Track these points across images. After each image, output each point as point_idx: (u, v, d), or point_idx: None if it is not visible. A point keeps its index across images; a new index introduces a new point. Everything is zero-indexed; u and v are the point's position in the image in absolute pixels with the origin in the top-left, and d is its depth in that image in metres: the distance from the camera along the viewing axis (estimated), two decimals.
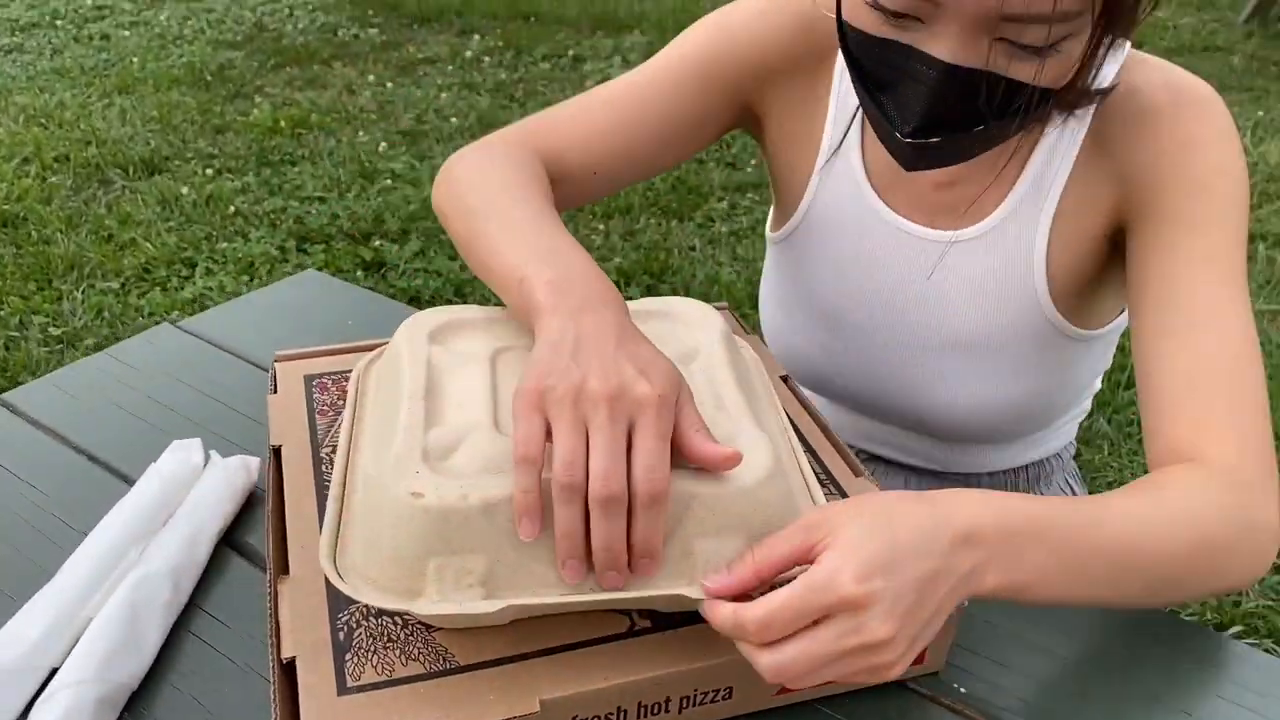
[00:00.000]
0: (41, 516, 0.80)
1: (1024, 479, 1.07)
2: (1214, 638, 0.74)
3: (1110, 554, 0.64)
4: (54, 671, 0.65)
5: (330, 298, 1.11)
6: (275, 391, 0.84)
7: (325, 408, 0.82)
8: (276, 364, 0.87)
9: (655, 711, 0.64)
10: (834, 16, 0.78)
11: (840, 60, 0.91)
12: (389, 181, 3.28)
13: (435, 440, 0.63)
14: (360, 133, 3.66)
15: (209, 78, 4.17)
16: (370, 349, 0.89)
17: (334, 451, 0.78)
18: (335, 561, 0.61)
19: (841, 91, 0.92)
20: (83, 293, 2.63)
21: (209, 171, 3.34)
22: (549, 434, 0.59)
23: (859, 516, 0.57)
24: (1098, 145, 0.82)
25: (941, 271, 0.90)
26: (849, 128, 0.92)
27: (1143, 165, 0.80)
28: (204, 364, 0.98)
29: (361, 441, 0.70)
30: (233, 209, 3.07)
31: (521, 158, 0.86)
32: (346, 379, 0.85)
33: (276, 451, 0.78)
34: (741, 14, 0.92)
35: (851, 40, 0.75)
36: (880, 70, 0.74)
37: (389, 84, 4.15)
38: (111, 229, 2.95)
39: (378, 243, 2.89)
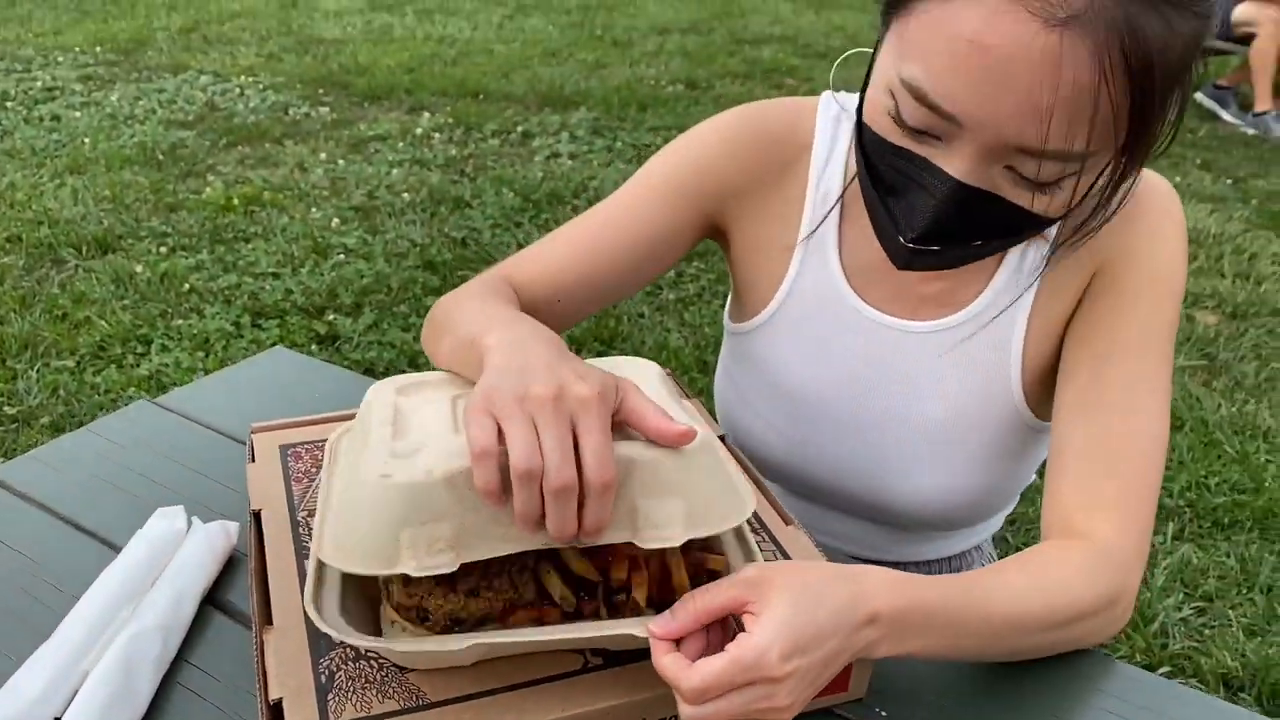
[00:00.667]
0: (34, 583, 0.86)
1: (948, 568, 1.13)
2: (1114, 667, 0.82)
3: (987, 630, 0.74)
4: None
5: (297, 372, 1.18)
6: (253, 460, 0.91)
7: (300, 475, 0.89)
8: (253, 435, 0.94)
9: None
10: (809, 124, 0.85)
11: (815, 162, 0.95)
12: (342, 256, 3.35)
13: (401, 447, 0.70)
14: (313, 209, 3.73)
15: (161, 157, 4.23)
16: (342, 419, 0.96)
17: (310, 515, 0.85)
18: (317, 608, 0.68)
19: (819, 194, 0.95)
20: (37, 371, 2.66)
21: (163, 249, 3.38)
22: (500, 434, 0.65)
23: (789, 589, 0.65)
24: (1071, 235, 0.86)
25: (922, 361, 0.94)
26: (825, 218, 0.95)
27: (1112, 253, 0.86)
28: (182, 438, 1.05)
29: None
30: (187, 286, 3.11)
31: (490, 283, 0.93)
32: (319, 448, 0.93)
33: (257, 515, 0.85)
34: (700, 137, 0.97)
35: (868, 141, 0.78)
36: (893, 176, 0.77)
37: (340, 161, 4.23)
38: (65, 308, 2.98)
39: (331, 316, 2.95)
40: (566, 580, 0.73)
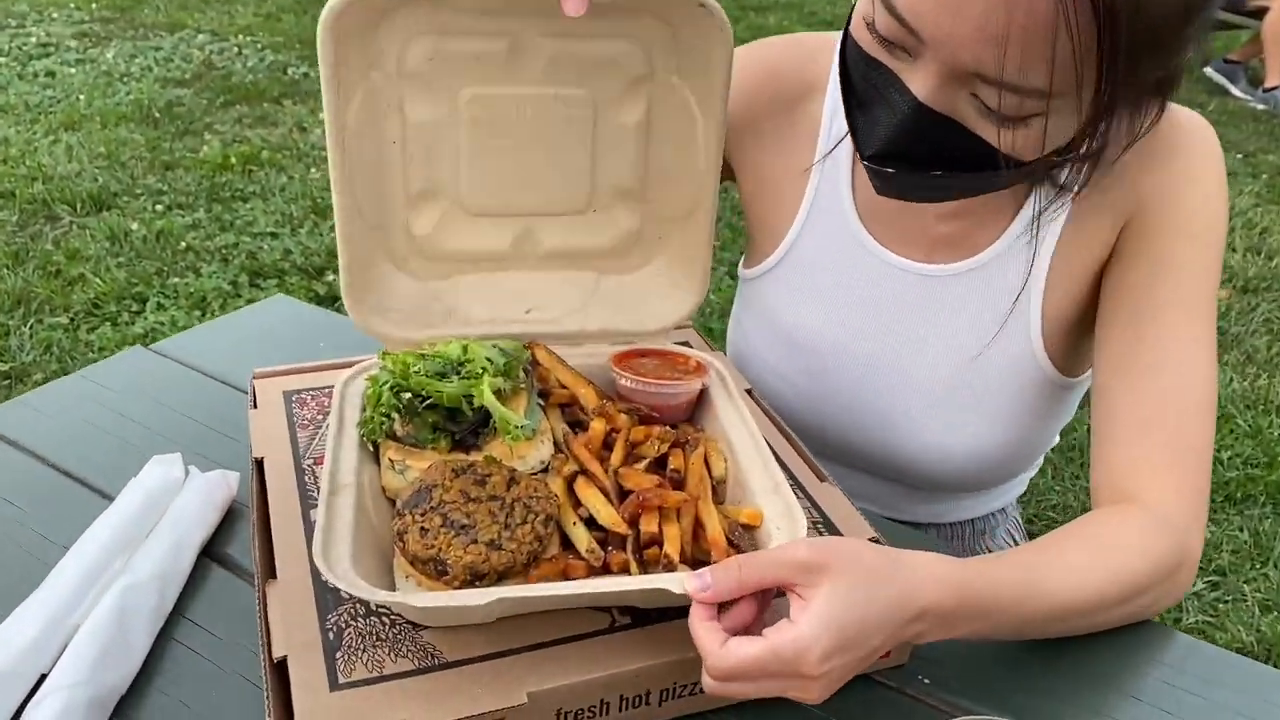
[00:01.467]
0: (21, 532, 0.81)
1: (970, 532, 1.09)
2: (1164, 630, 0.78)
3: (1046, 614, 0.70)
4: (44, 677, 0.66)
5: (300, 321, 1.13)
6: (255, 407, 0.86)
7: (306, 422, 0.84)
8: (256, 381, 0.89)
9: (636, 704, 0.66)
10: (824, 61, 0.80)
11: (830, 99, 0.93)
12: None
13: None
14: (312, 169, 3.66)
15: (157, 115, 4.15)
16: (348, 366, 0.91)
17: (316, 463, 0.80)
18: (326, 560, 0.63)
19: (834, 129, 0.93)
20: (30, 328, 2.60)
21: (159, 207, 3.32)
22: None
23: (842, 580, 0.60)
24: (1100, 177, 0.82)
25: (935, 307, 0.91)
26: (838, 144, 0.91)
27: (1143, 197, 0.81)
28: (178, 385, 1.00)
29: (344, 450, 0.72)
30: (184, 244, 3.05)
31: None
32: (326, 394, 0.88)
33: (259, 464, 0.80)
34: None
35: (849, 51, 0.77)
36: (864, 88, 0.76)
37: None
38: (59, 264, 2.92)
39: (331, 278, 2.90)
40: (593, 532, 0.68)
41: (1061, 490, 2.19)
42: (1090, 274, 0.86)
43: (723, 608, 0.62)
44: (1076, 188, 0.80)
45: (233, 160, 3.66)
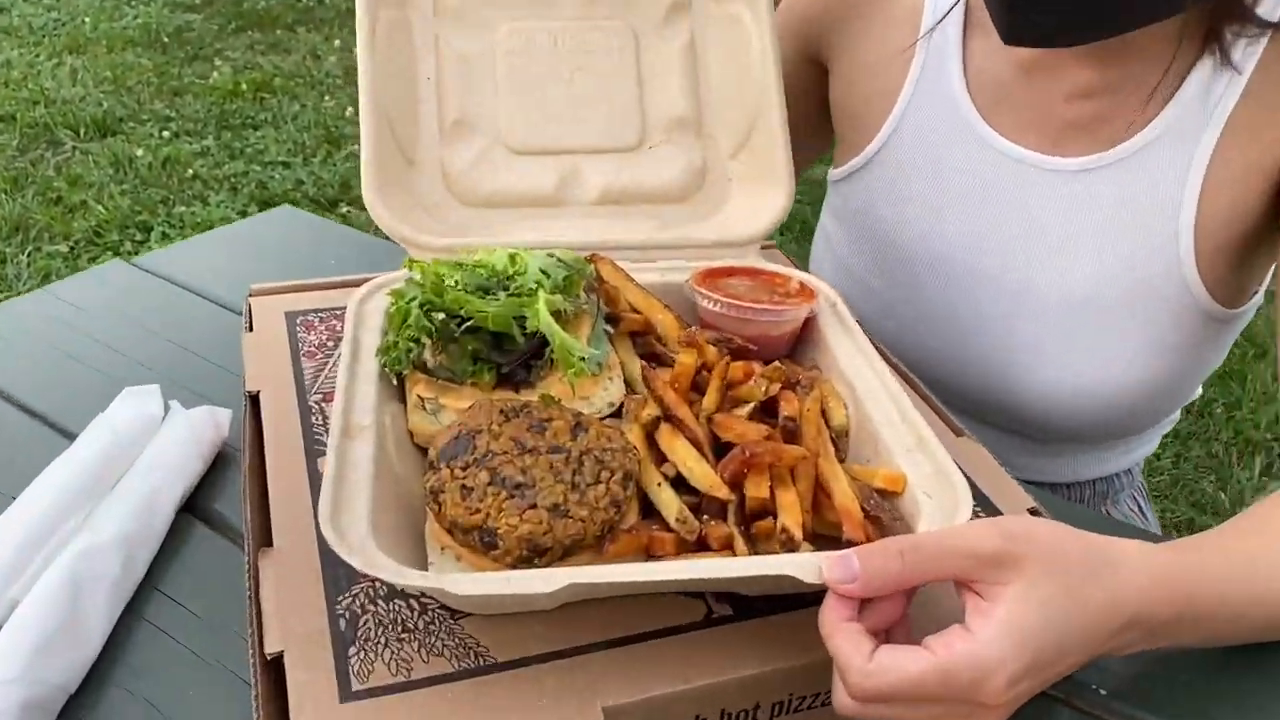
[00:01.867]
0: None
1: (1091, 494, 0.93)
2: None
3: (1264, 623, 0.55)
4: None
5: (308, 235, 0.97)
6: (250, 330, 0.70)
7: (313, 349, 0.68)
8: (252, 299, 0.73)
9: (741, 719, 0.51)
10: None
11: None
12: (356, 147, 3.12)
13: None
14: (326, 98, 3.49)
15: (165, 39, 3.97)
16: (360, 284, 0.75)
17: (325, 399, 0.63)
18: (336, 526, 0.47)
19: (938, 7, 0.80)
20: (28, 255, 2.45)
21: (165, 134, 3.16)
22: None
23: (1042, 580, 0.45)
24: None
25: (1062, 208, 0.76)
26: (947, 14, 0.79)
27: None
28: (163, 305, 0.84)
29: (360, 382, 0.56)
30: (191, 172, 2.90)
31: None
32: (337, 317, 0.71)
33: (254, 399, 0.64)
34: None
35: None
36: None
37: (355, 49, 3.96)
38: (60, 190, 2.77)
39: (345, 209, 2.74)
40: (683, 496, 0.52)
41: (1181, 468, 2.00)
42: (1259, 179, 0.70)
43: (864, 603, 0.46)
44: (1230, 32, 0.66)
45: (244, 87, 3.49)
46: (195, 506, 0.65)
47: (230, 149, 3.07)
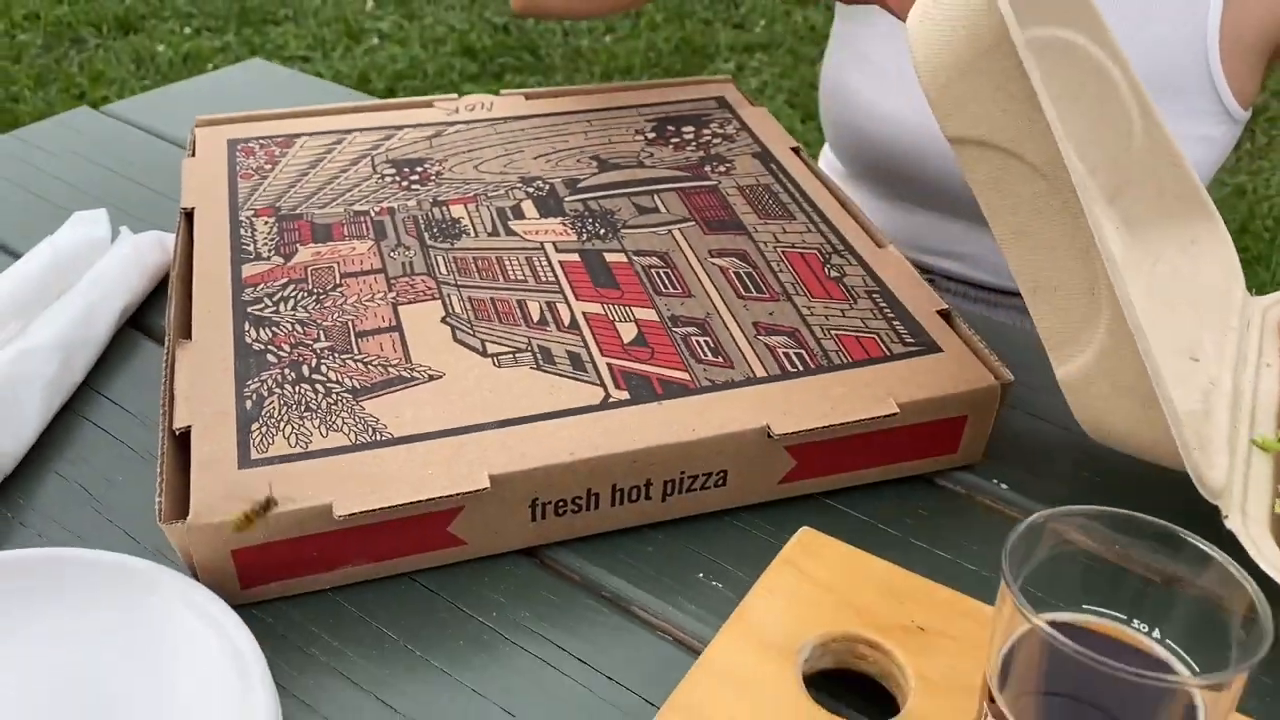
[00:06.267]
0: None
1: None
2: None
3: None
4: None
5: (280, 87, 0.97)
6: (193, 155, 0.71)
7: (250, 171, 0.69)
8: (198, 129, 0.74)
9: (634, 497, 0.52)
10: None
11: None
12: (376, 40, 3.10)
13: None
14: None
15: None
16: (314, 115, 0.76)
17: (256, 215, 0.65)
18: None
19: None
20: None
21: (186, 30, 3.16)
22: None
23: None
24: None
25: None
26: None
27: None
28: (124, 147, 0.85)
29: None
30: (211, 66, 2.90)
31: None
32: (277, 144, 0.72)
33: (188, 215, 0.65)
34: None
35: None
36: None
37: None
38: (83, 86, 2.79)
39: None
40: None
41: None
42: None
43: None
44: None
45: None
46: (139, 322, 0.67)
47: (250, 44, 3.07)
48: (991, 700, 0.37)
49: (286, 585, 0.49)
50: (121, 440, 0.59)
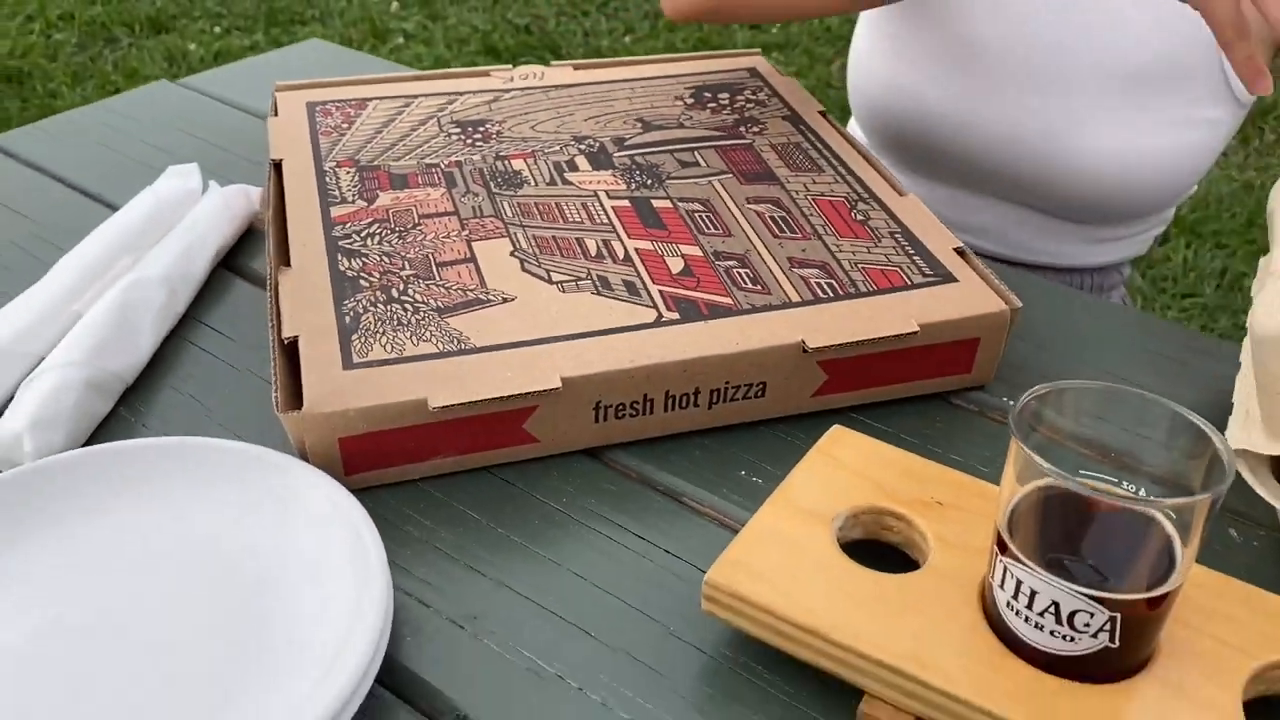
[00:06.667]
0: (33, 243, 0.76)
1: (1090, 284, 1.00)
2: None
3: None
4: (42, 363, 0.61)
5: (337, 64, 1.05)
6: (276, 115, 0.79)
7: (329, 130, 0.77)
8: (278, 93, 0.81)
9: (684, 404, 0.59)
10: None
11: None
12: (401, 40, 3.19)
13: None
14: None
15: None
16: (386, 81, 0.83)
17: (339, 166, 0.72)
18: None
19: None
20: None
21: (217, 30, 3.24)
22: None
23: None
24: None
25: None
26: None
27: None
28: (204, 115, 0.93)
29: None
30: None
31: None
32: (352, 106, 0.80)
33: (277, 166, 0.73)
34: None
35: None
36: None
37: None
38: (118, 83, 2.88)
39: None
40: None
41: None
42: None
43: None
44: None
45: None
46: (230, 263, 0.74)
47: (279, 43, 3.15)
48: (1004, 549, 0.44)
49: (383, 474, 0.56)
50: (222, 359, 0.66)
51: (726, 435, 0.61)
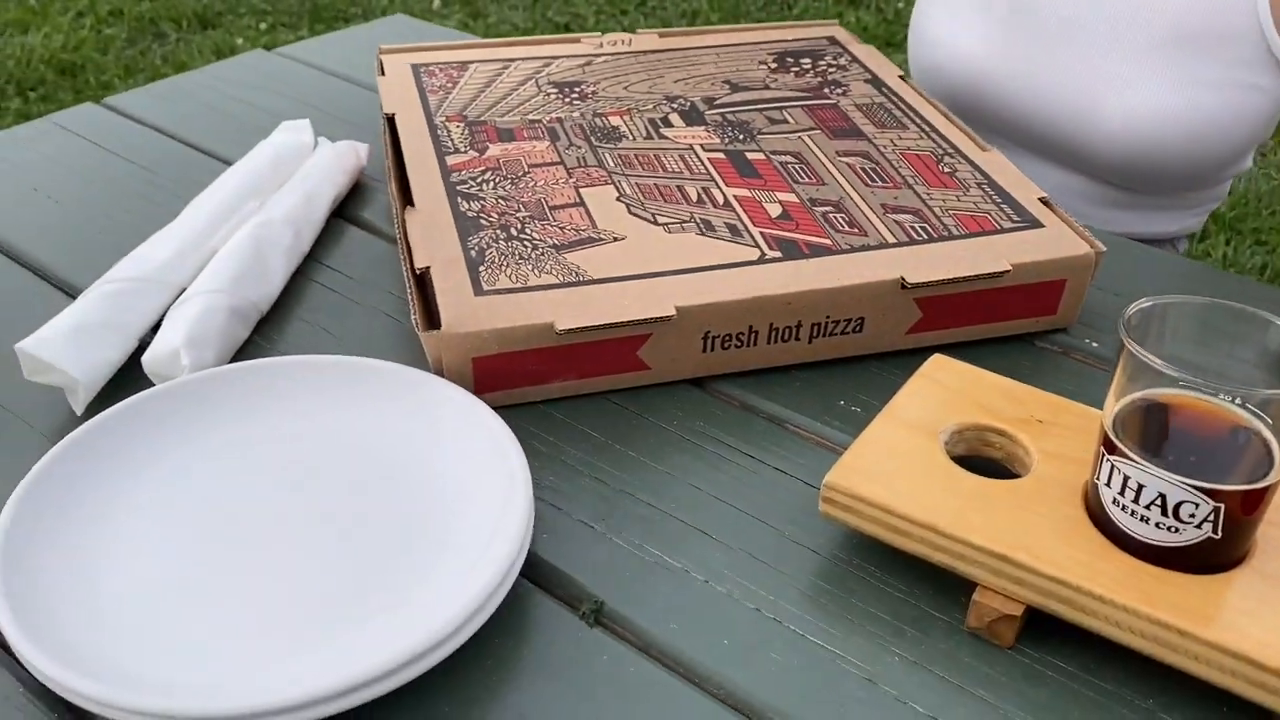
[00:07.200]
0: (150, 190, 0.80)
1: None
2: None
3: None
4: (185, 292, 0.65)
5: (420, 36, 1.09)
6: (383, 75, 0.83)
7: (435, 89, 0.81)
8: (382, 56, 0.85)
9: (785, 337, 0.63)
10: None
11: None
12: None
13: None
14: None
15: None
16: (480, 45, 0.87)
17: (449, 120, 0.76)
18: None
19: None
20: None
21: (262, 25, 3.31)
22: None
23: None
24: None
25: None
26: None
27: None
28: (302, 80, 0.98)
29: None
30: None
31: None
32: (455, 68, 0.84)
33: (390, 119, 0.77)
34: None
35: None
36: None
37: None
38: (168, 76, 2.94)
39: None
40: None
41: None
42: None
43: None
44: None
45: None
46: (343, 213, 0.79)
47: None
48: (1111, 449, 0.47)
49: (508, 394, 0.60)
50: (344, 295, 0.70)
51: (824, 369, 0.65)
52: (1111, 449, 0.47)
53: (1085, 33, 0.89)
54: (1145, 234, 1.00)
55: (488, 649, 0.48)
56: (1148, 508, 0.46)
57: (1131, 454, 0.46)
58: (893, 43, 3.12)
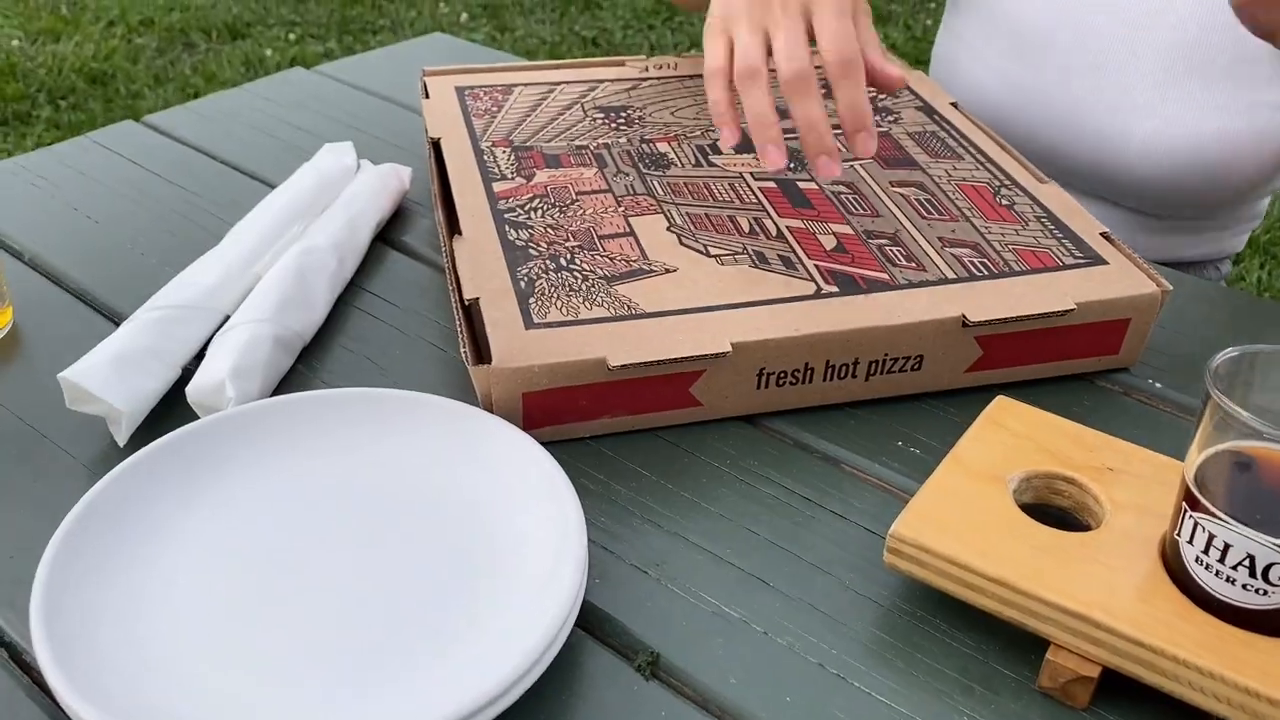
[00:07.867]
0: (195, 212, 0.79)
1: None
2: None
3: None
4: (228, 320, 0.64)
5: (460, 55, 1.08)
6: (427, 98, 0.82)
7: (480, 112, 0.80)
8: (426, 78, 0.84)
9: (842, 375, 0.61)
10: None
11: None
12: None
13: None
14: (441, 3, 3.61)
15: None
16: (524, 69, 0.86)
17: (495, 145, 0.75)
18: None
19: None
20: None
21: (291, 37, 3.32)
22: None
23: None
24: None
25: None
26: None
27: None
28: (342, 99, 0.96)
29: None
30: None
31: None
32: (499, 91, 0.83)
33: (436, 144, 0.75)
34: None
35: None
36: None
37: None
38: (198, 86, 2.95)
39: None
40: None
41: None
42: None
43: None
44: None
45: None
46: (386, 237, 0.77)
47: (351, 51, 3.22)
48: (1194, 505, 0.45)
49: (557, 430, 0.59)
50: (389, 324, 0.69)
51: (879, 407, 0.63)
52: (1194, 504, 0.45)
53: (1093, 55, 0.88)
54: (1185, 258, 0.98)
55: (539, 701, 0.46)
56: (1234, 568, 0.44)
57: (1217, 511, 0.44)
58: (923, 60, 3.10)
